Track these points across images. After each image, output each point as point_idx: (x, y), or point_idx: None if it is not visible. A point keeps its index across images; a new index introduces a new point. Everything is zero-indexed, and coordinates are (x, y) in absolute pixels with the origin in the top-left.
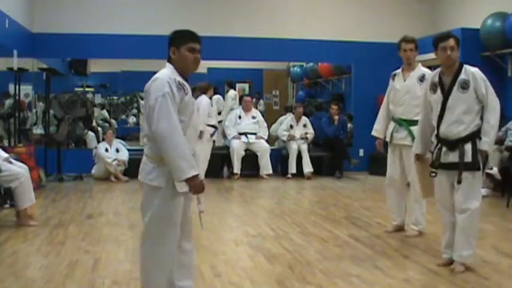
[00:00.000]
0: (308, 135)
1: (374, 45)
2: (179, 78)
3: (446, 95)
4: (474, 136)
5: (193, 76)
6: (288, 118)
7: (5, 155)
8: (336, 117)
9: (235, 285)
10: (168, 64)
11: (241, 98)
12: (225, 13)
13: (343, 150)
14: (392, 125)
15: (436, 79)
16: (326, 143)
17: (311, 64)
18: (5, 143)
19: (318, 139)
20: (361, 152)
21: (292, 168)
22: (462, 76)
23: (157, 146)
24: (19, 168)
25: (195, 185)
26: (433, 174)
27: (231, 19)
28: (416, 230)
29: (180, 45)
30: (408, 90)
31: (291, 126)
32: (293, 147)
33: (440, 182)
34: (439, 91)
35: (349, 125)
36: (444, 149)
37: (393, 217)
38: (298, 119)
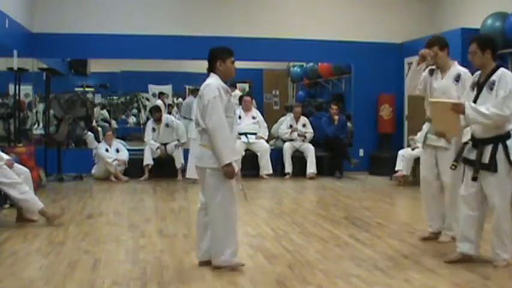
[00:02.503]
0: (307, 134)
1: (374, 45)
2: (224, 84)
3: (476, 95)
4: (497, 139)
5: (193, 76)
6: (287, 118)
7: (6, 156)
8: (336, 117)
9: (235, 285)
10: (212, 74)
11: (241, 98)
12: (225, 13)
13: (343, 150)
14: (427, 125)
15: (476, 79)
16: (326, 143)
17: (311, 64)
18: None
19: (318, 139)
20: (361, 152)
21: (287, 168)
22: (493, 78)
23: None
24: (17, 177)
25: (227, 171)
26: (453, 167)
27: (231, 19)
28: (450, 235)
29: (225, 59)
30: (444, 91)
31: (291, 126)
32: (286, 146)
33: (466, 177)
34: (475, 89)
35: (348, 124)
36: (469, 145)
37: (430, 223)
38: (297, 119)
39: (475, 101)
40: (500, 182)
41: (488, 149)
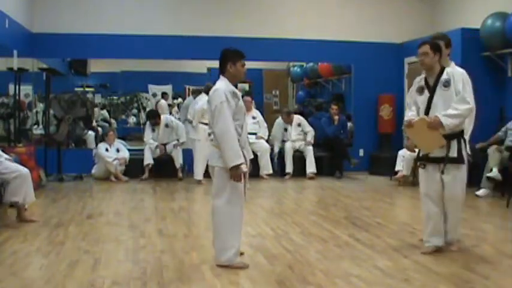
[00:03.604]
0: (308, 137)
1: (374, 45)
2: (233, 88)
3: (431, 94)
4: (459, 134)
5: (193, 76)
6: (280, 122)
7: (7, 156)
8: (336, 117)
9: (235, 285)
10: (222, 77)
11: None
12: (225, 13)
13: (343, 150)
14: None
15: (423, 83)
16: (326, 143)
17: (311, 64)
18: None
19: (318, 139)
20: (361, 152)
21: (288, 168)
22: (444, 76)
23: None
24: (18, 165)
25: (234, 174)
26: (423, 166)
27: (231, 19)
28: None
29: (236, 61)
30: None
31: (286, 130)
32: (287, 146)
33: (428, 175)
34: (426, 92)
35: (349, 124)
36: None
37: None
38: (289, 123)
39: (430, 102)
40: (462, 174)
41: (454, 144)
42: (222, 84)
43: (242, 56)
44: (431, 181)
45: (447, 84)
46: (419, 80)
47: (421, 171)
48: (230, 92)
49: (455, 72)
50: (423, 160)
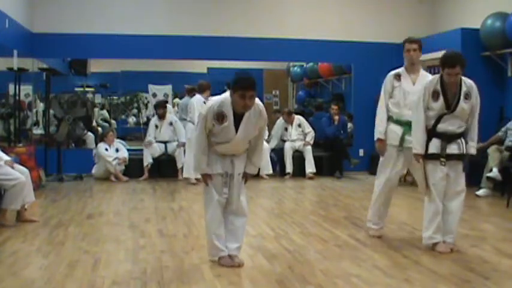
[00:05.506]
0: (307, 137)
1: (374, 45)
2: (223, 109)
3: (454, 106)
4: (462, 135)
5: (193, 76)
6: (281, 122)
7: (7, 157)
8: (336, 117)
9: (235, 285)
10: (229, 92)
11: None
12: (225, 13)
13: (343, 150)
14: (398, 128)
15: (439, 87)
16: (326, 143)
17: (311, 64)
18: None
19: (318, 139)
20: (361, 152)
21: (288, 168)
22: (464, 88)
23: None
24: (18, 173)
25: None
26: (443, 163)
27: (231, 19)
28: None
29: (235, 91)
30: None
31: (286, 129)
32: (287, 146)
33: (442, 172)
34: (441, 99)
35: (349, 124)
36: (444, 142)
37: (380, 221)
38: (290, 123)
39: (454, 110)
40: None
41: (462, 141)
42: (220, 98)
43: (241, 88)
44: (442, 178)
45: (468, 96)
46: (435, 83)
47: (431, 167)
48: (215, 111)
49: (472, 84)
50: (439, 157)
